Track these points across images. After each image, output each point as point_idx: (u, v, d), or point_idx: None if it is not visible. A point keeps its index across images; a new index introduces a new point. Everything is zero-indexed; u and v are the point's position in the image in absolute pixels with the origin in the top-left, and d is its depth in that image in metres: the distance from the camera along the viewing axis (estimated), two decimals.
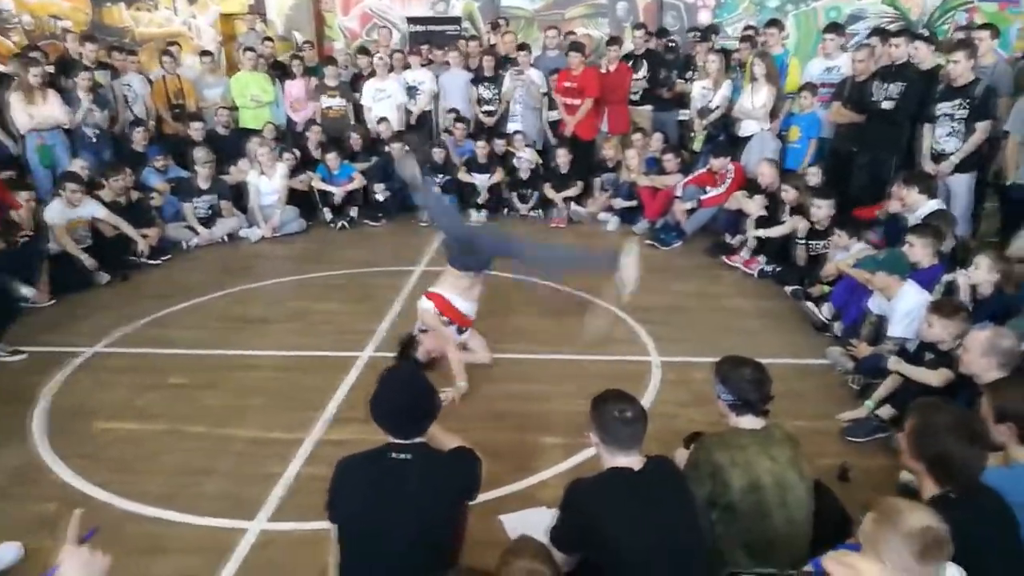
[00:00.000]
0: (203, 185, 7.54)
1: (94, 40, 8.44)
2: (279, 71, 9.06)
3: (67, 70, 7.97)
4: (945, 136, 5.71)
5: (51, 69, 7.94)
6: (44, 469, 3.73)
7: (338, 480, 2.43)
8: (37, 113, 7.13)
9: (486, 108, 8.69)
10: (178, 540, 3.24)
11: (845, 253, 5.29)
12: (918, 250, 4.48)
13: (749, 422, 2.67)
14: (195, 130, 8.04)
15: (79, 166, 6.83)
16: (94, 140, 7.61)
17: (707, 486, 2.56)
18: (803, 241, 5.91)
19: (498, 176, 8.16)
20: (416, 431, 2.44)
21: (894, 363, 3.86)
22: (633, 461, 2.41)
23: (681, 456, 2.99)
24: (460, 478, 2.47)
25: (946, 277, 4.30)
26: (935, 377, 3.55)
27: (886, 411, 3.77)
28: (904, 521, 1.88)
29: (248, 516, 3.35)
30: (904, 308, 4.13)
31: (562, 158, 8.02)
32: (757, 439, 2.60)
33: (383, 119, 8.45)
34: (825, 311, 5.09)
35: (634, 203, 7.69)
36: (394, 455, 2.39)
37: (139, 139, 7.89)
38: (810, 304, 5.28)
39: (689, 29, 9.86)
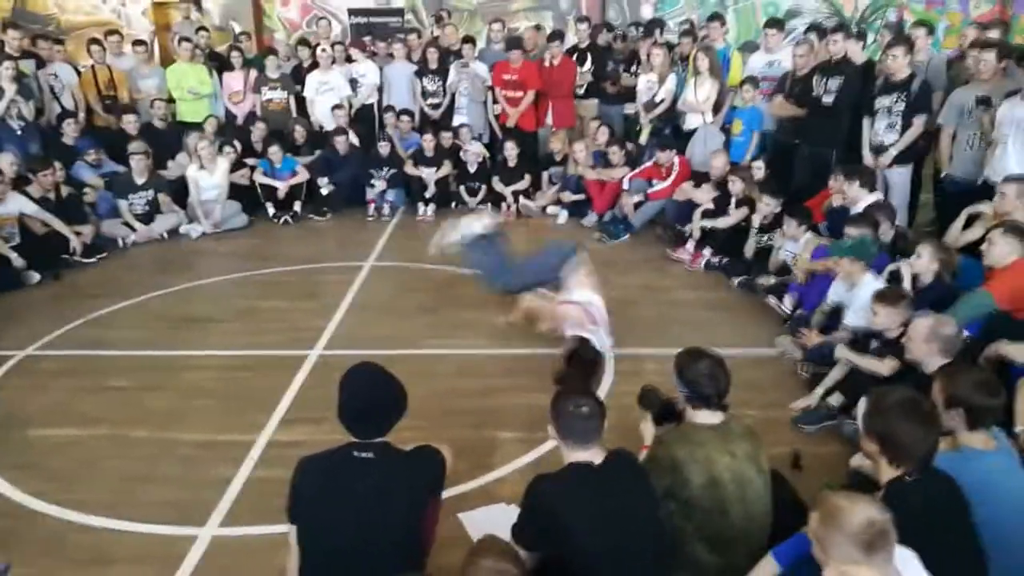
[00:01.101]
0: (140, 180, 7.26)
1: (17, 27, 8.03)
2: (216, 62, 8.79)
3: None
4: (884, 129, 5.88)
5: None
6: None
7: (299, 480, 2.38)
8: None
9: (431, 101, 8.60)
10: (125, 549, 3.12)
11: (794, 243, 5.39)
12: None
13: (707, 416, 2.66)
14: (129, 123, 7.76)
15: (7, 161, 6.49)
16: (19, 133, 7.24)
17: (666, 480, 2.56)
18: (756, 233, 5.96)
19: (446, 170, 8.08)
20: (380, 431, 2.39)
21: (842, 351, 3.95)
22: (593, 455, 2.41)
23: (647, 429, 3.03)
24: (423, 475, 2.43)
25: (890, 266, 4.42)
26: (883, 366, 3.64)
27: (836, 399, 3.86)
28: (846, 519, 1.93)
29: (199, 522, 3.25)
30: (864, 297, 4.15)
31: (510, 151, 7.99)
32: (716, 434, 2.60)
33: (338, 106, 8.29)
34: (787, 302, 5.15)
35: (582, 196, 7.72)
36: (356, 454, 2.34)
37: (69, 132, 7.55)
38: (772, 299, 5.29)
39: (632, 23, 9.94)
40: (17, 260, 6.05)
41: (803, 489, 3.00)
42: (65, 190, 6.87)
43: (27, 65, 7.68)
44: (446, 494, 3.07)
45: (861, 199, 5.29)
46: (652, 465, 2.61)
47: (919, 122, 5.73)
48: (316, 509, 2.31)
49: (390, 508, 2.28)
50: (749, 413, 3.70)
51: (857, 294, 4.29)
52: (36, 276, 6.09)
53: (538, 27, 8.84)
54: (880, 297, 3.84)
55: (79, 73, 8.14)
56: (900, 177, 5.96)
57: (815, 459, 3.54)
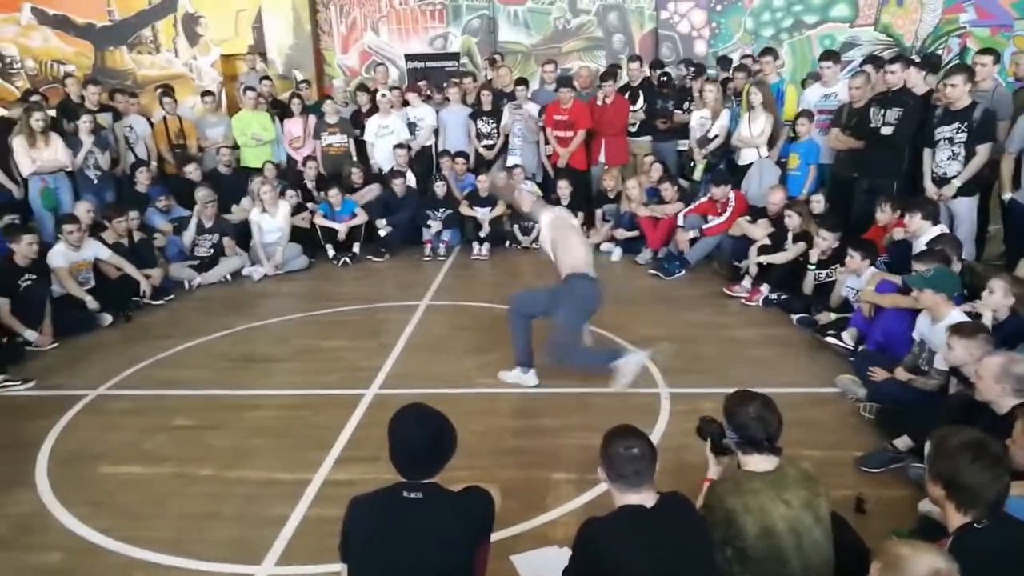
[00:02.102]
0: (206, 224, 7.55)
1: (96, 83, 8.52)
2: (279, 109, 9.14)
3: (69, 113, 8.04)
4: (946, 160, 5.73)
5: (53, 113, 8.02)
6: (48, 517, 3.67)
7: (350, 519, 2.40)
8: (39, 157, 7.16)
9: (485, 142, 8.75)
10: None
11: (856, 278, 5.25)
12: None
13: (759, 462, 2.58)
14: (190, 172, 8.10)
15: (84, 209, 6.85)
16: (96, 182, 7.65)
17: (720, 530, 2.50)
18: (813, 268, 5.85)
19: (500, 209, 8.18)
20: (430, 472, 2.40)
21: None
22: (645, 498, 2.37)
23: (711, 459, 2.96)
24: (472, 516, 2.42)
25: (964, 307, 4.24)
26: None
27: (902, 442, 3.71)
28: (909, 569, 1.85)
29: (255, 560, 3.29)
30: None
31: (563, 190, 8.05)
32: (769, 482, 2.52)
33: (400, 146, 8.47)
34: (847, 338, 5.01)
35: (636, 233, 7.70)
36: (405, 494, 2.36)
37: (142, 180, 7.93)
38: (832, 339, 5.13)
39: (681, 60, 9.97)
40: (91, 303, 6.33)
41: (868, 534, 2.88)
42: (137, 235, 7.18)
43: (105, 118, 8.14)
44: (498, 535, 3.07)
45: (924, 232, 5.13)
46: (705, 514, 2.55)
47: (983, 151, 5.56)
48: (365, 549, 2.32)
49: (438, 549, 2.27)
50: (811, 453, 3.61)
51: (940, 330, 3.93)
52: (108, 318, 6.35)
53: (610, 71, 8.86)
54: (956, 329, 3.66)
55: (152, 124, 8.56)
56: (965, 208, 5.78)
57: (881, 503, 3.40)
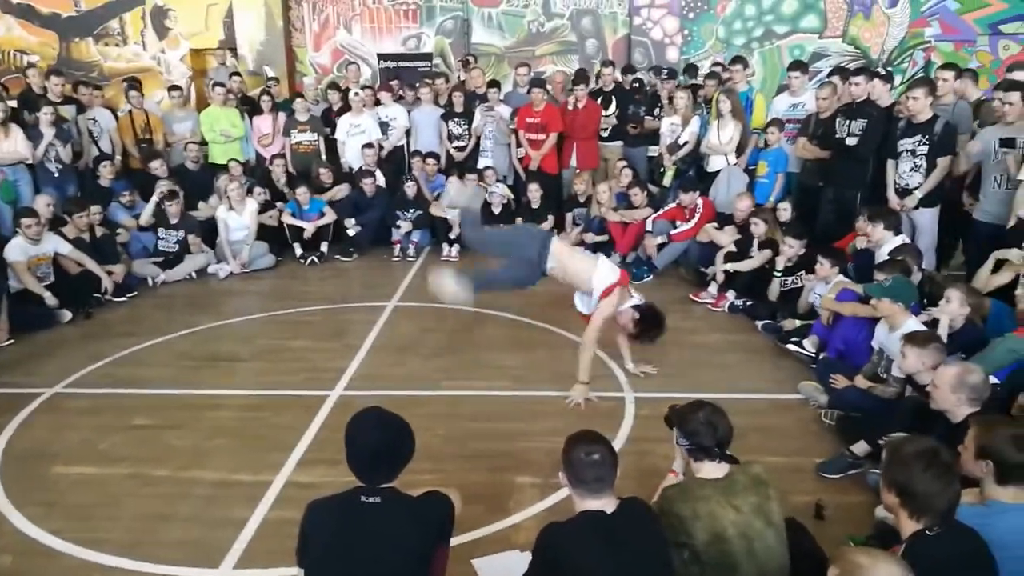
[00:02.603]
0: (172, 220, 7.43)
1: (59, 74, 8.35)
2: (248, 106, 9.03)
3: (30, 105, 7.86)
4: (908, 171, 5.83)
5: (13, 104, 7.84)
6: None
7: (307, 523, 2.37)
8: None
9: (456, 144, 8.72)
10: None
11: (823, 285, 5.31)
12: None
13: (710, 469, 2.62)
14: (155, 168, 7.98)
15: (44, 202, 6.70)
16: (57, 175, 7.49)
17: (672, 536, 2.52)
18: (779, 275, 5.91)
19: None
20: (388, 477, 2.38)
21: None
22: (605, 504, 2.38)
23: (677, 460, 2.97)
24: (430, 521, 2.41)
25: (922, 316, 4.32)
26: None
27: (860, 448, 3.76)
28: None
29: (213, 563, 3.24)
30: None
31: (533, 193, 8.05)
32: (719, 488, 2.55)
33: (368, 145, 8.41)
34: (808, 345, 5.08)
35: (605, 238, 7.73)
36: (363, 499, 2.33)
37: (105, 174, 7.78)
38: (794, 346, 5.19)
39: (652, 67, 10.04)
40: (50, 299, 6.19)
41: (826, 539, 2.92)
42: (99, 231, 7.04)
43: (68, 110, 7.98)
44: (460, 539, 3.06)
45: (886, 241, 5.22)
46: (660, 516, 2.57)
47: (944, 163, 5.68)
48: (323, 554, 2.30)
49: (393, 555, 2.25)
50: (773, 459, 3.64)
51: (897, 338, 4.00)
52: (68, 315, 6.21)
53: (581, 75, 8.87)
54: (910, 338, 3.75)
55: (117, 118, 8.41)
56: (927, 219, 5.88)
57: (839, 509, 3.45)
